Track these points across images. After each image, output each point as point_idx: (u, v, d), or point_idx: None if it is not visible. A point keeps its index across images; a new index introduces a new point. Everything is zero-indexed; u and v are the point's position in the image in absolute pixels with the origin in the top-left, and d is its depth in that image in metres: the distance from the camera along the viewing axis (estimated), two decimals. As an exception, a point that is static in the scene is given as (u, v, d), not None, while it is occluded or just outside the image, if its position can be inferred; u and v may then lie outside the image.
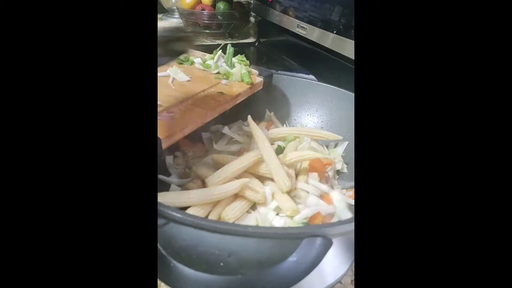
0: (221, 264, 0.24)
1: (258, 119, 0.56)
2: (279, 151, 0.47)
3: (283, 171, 0.39)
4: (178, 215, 0.26)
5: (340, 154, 0.51)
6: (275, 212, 0.39)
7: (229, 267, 0.24)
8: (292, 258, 0.25)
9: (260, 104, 0.58)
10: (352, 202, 0.41)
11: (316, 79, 0.61)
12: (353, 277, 0.39)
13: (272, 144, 0.49)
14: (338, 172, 0.49)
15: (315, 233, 0.26)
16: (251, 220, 0.38)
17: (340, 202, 0.40)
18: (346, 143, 0.51)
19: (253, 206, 0.39)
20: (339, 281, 0.38)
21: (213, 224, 0.26)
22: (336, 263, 0.39)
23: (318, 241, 0.27)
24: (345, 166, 0.50)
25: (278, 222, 0.38)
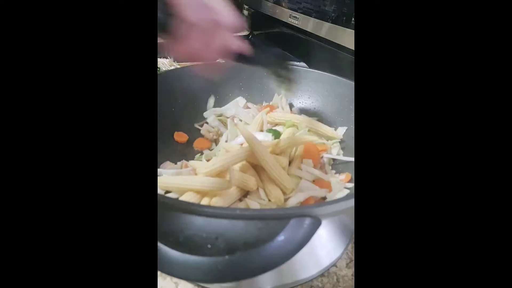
0: (209, 246, 0.24)
1: (253, 102, 0.57)
2: (276, 135, 0.47)
3: (286, 175, 0.39)
4: (165, 200, 0.26)
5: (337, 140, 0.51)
6: (266, 199, 0.39)
7: (217, 248, 0.24)
8: (280, 238, 0.25)
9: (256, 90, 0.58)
10: (345, 185, 0.41)
11: (307, 66, 0.60)
12: (348, 261, 0.39)
13: (274, 126, 0.49)
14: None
15: (302, 213, 0.26)
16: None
17: (336, 186, 0.40)
18: (345, 128, 0.51)
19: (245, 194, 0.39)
20: (334, 265, 0.38)
21: (200, 208, 0.26)
22: (331, 246, 0.39)
23: (307, 221, 0.26)
24: (341, 152, 0.49)
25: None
